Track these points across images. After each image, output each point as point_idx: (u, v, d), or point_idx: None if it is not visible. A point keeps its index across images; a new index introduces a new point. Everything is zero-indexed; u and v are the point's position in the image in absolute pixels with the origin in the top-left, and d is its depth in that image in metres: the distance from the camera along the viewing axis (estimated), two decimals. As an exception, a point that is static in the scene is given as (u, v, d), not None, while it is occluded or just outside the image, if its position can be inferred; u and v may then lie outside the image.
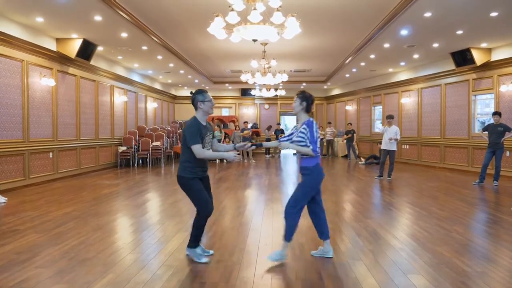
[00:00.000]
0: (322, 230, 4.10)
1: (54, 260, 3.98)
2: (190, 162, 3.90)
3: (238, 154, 3.89)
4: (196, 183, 3.92)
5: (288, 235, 3.93)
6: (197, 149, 3.80)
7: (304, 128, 3.90)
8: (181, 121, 20.11)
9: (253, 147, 4.26)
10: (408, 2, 7.08)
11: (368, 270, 3.71)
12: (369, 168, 13.50)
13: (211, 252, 4.19)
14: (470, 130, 11.89)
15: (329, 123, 19.27)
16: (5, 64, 8.32)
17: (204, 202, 3.92)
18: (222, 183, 9.77)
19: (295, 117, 22.29)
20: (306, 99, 4.01)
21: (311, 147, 3.86)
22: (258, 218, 5.93)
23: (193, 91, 4.04)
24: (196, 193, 3.92)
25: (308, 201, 4.02)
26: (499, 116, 9.13)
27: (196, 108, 3.99)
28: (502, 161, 9.35)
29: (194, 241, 4.00)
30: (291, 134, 4.13)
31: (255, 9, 5.62)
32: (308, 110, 4.04)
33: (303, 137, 3.88)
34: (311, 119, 3.97)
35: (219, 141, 14.20)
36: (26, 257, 4.04)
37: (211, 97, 4.03)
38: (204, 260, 3.94)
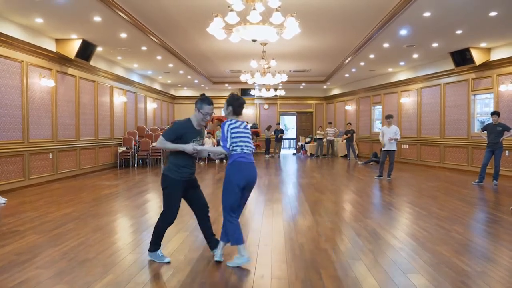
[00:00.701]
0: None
1: (54, 261, 3.98)
2: (177, 161, 3.91)
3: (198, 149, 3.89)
4: (177, 187, 3.89)
5: (234, 240, 3.83)
6: (160, 139, 3.86)
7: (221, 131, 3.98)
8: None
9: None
10: (408, 2, 7.08)
11: (368, 270, 3.72)
12: (369, 168, 13.51)
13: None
14: (470, 129, 11.90)
15: (330, 123, 19.26)
16: (4, 65, 8.32)
17: (174, 208, 3.91)
18: (222, 183, 9.76)
19: (294, 117, 22.53)
20: (232, 103, 3.96)
21: (221, 144, 3.91)
22: (258, 218, 5.93)
23: (202, 94, 4.03)
24: (171, 195, 3.90)
25: (237, 199, 3.91)
26: (497, 116, 9.14)
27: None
28: (502, 161, 9.35)
29: (154, 244, 4.00)
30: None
31: (254, 9, 5.63)
32: (236, 113, 3.98)
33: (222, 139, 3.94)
34: (226, 121, 3.93)
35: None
36: (26, 258, 4.04)
37: (209, 111, 3.92)
38: (167, 259, 3.95)
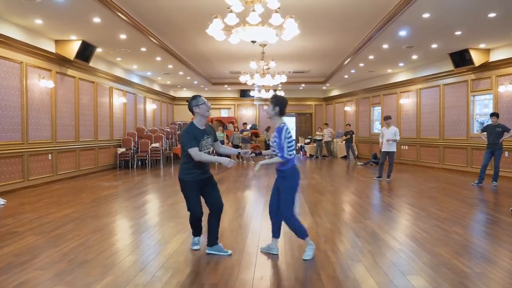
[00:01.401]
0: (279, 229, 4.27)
1: (53, 262, 3.98)
2: (188, 164, 4.08)
3: (238, 157, 4.11)
4: (192, 187, 4.11)
5: (302, 233, 4.07)
6: (193, 152, 3.96)
7: (275, 136, 3.99)
8: (180, 123, 20.11)
9: (253, 154, 4.51)
10: (407, 3, 7.09)
11: (367, 271, 3.71)
12: (368, 169, 13.51)
13: (229, 251, 4.26)
14: (469, 130, 11.91)
15: (326, 124, 19.24)
16: (4, 66, 8.31)
17: (193, 206, 4.14)
18: (222, 185, 9.77)
19: (294, 118, 22.51)
20: (279, 103, 4.05)
21: (279, 154, 3.94)
22: (257, 219, 5.92)
23: (188, 100, 4.21)
24: (188, 196, 4.14)
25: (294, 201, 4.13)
26: (496, 117, 9.15)
27: (193, 113, 4.13)
28: (501, 162, 9.35)
29: (193, 232, 4.37)
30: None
31: (253, 10, 5.64)
32: (281, 113, 4.07)
33: (276, 143, 3.96)
34: (282, 124, 4.00)
35: (222, 142, 14.21)
36: (25, 259, 4.03)
37: (205, 100, 4.14)
38: (196, 247, 4.31)
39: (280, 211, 4.09)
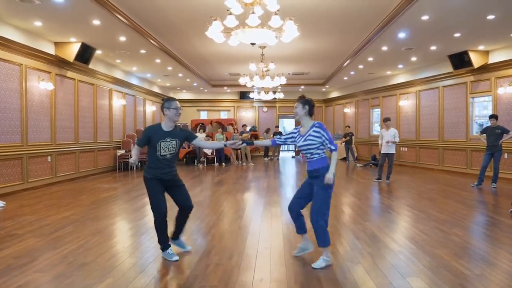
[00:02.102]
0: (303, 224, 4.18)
1: (52, 264, 3.97)
2: (148, 162, 4.22)
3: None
4: (152, 183, 4.13)
5: (325, 241, 3.94)
6: (134, 148, 4.26)
7: (316, 132, 3.94)
8: (179, 125, 20.03)
9: (244, 144, 4.38)
10: (406, 5, 7.10)
11: (367, 273, 3.71)
12: (368, 170, 13.52)
13: (188, 248, 4.37)
14: (468, 132, 11.92)
15: None
16: (3, 68, 8.32)
17: (155, 203, 4.11)
18: (221, 186, 9.77)
19: (293, 120, 22.50)
20: (308, 102, 4.08)
21: (333, 148, 3.93)
22: (257, 221, 5.92)
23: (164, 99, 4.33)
24: (149, 192, 4.16)
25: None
26: (495, 119, 9.16)
27: (163, 114, 4.19)
28: (501, 163, 9.36)
29: (161, 242, 4.20)
30: (290, 137, 4.21)
31: (253, 12, 5.64)
32: (311, 113, 4.09)
33: (316, 140, 3.92)
34: (318, 122, 4.02)
35: None
36: (25, 262, 4.03)
37: (178, 105, 4.19)
38: (175, 258, 4.11)
39: (314, 212, 3.92)
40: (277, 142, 4.27)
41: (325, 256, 3.93)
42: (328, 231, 3.96)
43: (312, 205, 3.97)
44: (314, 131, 3.95)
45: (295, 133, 4.20)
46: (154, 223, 4.16)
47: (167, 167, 4.15)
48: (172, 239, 4.32)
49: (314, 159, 3.98)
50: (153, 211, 4.12)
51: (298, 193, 4.19)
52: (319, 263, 3.89)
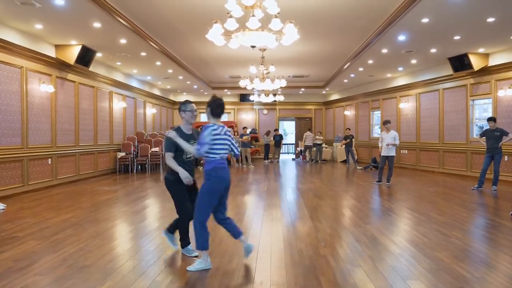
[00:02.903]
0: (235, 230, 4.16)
1: (52, 267, 3.97)
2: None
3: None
4: (178, 186, 4.19)
5: (200, 244, 3.90)
6: (166, 156, 4.20)
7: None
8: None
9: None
10: (406, 8, 7.12)
11: (367, 276, 3.71)
12: (368, 173, 13.51)
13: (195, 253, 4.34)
14: (469, 135, 11.92)
15: (309, 129, 19.52)
16: (4, 71, 8.33)
17: (183, 206, 4.23)
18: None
19: (294, 122, 22.54)
20: (209, 104, 3.97)
21: (195, 147, 3.85)
22: (257, 224, 5.92)
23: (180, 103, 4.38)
24: (176, 196, 4.26)
25: (212, 209, 3.98)
26: (494, 121, 9.17)
27: (181, 117, 4.30)
28: (501, 166, 9.37)
29: (182, 240, 4.42)
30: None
31: (253, 15, 5.65)
32: (214, 114, 3.95)
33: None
34: (208, 124, 3.88)
35: None
36: (25, 265, 4.02)
37: (194, 108, 4.27)
38: (194, 254, 4.29)
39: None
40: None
41: (203, 259, 3.95)
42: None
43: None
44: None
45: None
46: (179, 223, 4.33)
47: (190, 170, 4.25)
48: (168, 231, 4.54)
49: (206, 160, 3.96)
50: (180, 214, 4.27)
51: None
52: (195, 266, 3.93)
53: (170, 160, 4.18)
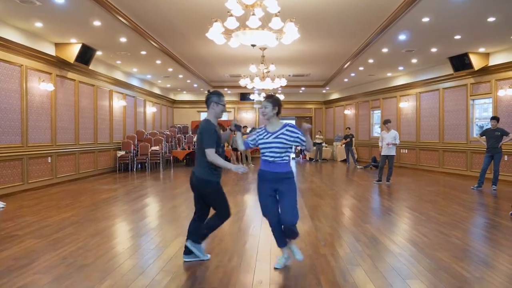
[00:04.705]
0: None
1: (52, 266, 3.97)
2: (210, 164, 3.83)
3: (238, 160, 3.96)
4: (221, 187, 4.00)
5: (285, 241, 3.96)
6: (211, 153, 3.74)
7: (290, 131, 3.76)
8: (180, 126, 20.11)
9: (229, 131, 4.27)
10: (407, 7, 7.11)
11: (366, 276, 3.71)
12: (368, 172, 13.51)
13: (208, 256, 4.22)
14: (469, 134, 11.92)
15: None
16: (4, 69, 8.32)
17: (228, 207, 4.03)
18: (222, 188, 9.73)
19: (294, 121, 22.49)
20: (278, 103, 3.86)
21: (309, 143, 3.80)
22: (257, 223, 5.91)
23: (210, 91, 4.00)
24: (221, 197, 4.00)
25: None
26: (496, 121, 9.16)
27: (208, 108, 3.94)
28: (501, 166, 9.36)
29: (202, 238, 4.10)
30: (256, 136, 3.93)
31: (253, 14, 5.64)
32: (279, 113, 3.89)
33: (290, 140, 3.75)
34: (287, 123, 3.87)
35: (222, 146, 14.21)
36: (24, 263, 4.02)
37: (225, 103, 3.97)
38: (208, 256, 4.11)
39: (291, 214, 3.75)
40: (250, 145, 4.01)
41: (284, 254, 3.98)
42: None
43: (289, 209, 3.77)
44: (288, 130, 3.77)
45: (260, 130, 3.93)
46: (218, 222, 4.04)
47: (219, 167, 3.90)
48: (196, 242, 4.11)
49: (285, 161, 3.81)
50: (224, 215, 4.00)
51: (270, 204, 3.92)
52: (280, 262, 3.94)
53: (216, 157, 3.73)
